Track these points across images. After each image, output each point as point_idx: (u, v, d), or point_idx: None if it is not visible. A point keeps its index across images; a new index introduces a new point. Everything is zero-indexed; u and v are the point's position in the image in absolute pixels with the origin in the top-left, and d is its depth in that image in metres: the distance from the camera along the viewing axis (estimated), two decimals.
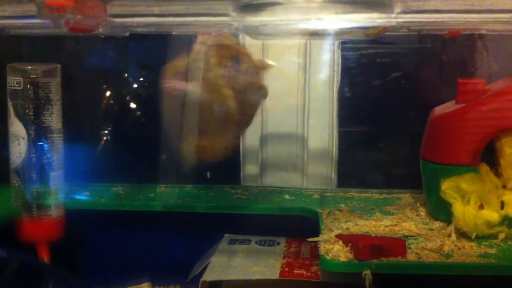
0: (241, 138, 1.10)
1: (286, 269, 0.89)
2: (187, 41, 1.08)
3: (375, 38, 0.80)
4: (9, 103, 0.80)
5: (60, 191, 0.88)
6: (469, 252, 0.74)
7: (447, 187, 0.79)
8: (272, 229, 1.05)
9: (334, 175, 1.11)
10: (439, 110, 0.88)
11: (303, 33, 0.82)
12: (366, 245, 0.73)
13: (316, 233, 0.86)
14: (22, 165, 0.82)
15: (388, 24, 0.69)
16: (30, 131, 0.81)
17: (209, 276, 0.89)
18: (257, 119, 1.10)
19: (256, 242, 1.01)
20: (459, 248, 0.75)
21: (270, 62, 0.85)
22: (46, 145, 0.83)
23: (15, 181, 0.83)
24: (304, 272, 0.87)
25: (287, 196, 1.03)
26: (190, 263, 1.04)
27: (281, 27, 0.72)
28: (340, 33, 0.77)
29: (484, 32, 0.89)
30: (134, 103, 1.13)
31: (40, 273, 0.80)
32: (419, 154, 0.90)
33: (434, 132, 0.87)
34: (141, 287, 1.14)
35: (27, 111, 0.80)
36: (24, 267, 0.79)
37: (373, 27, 0.70)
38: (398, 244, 0.74)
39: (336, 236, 0.78)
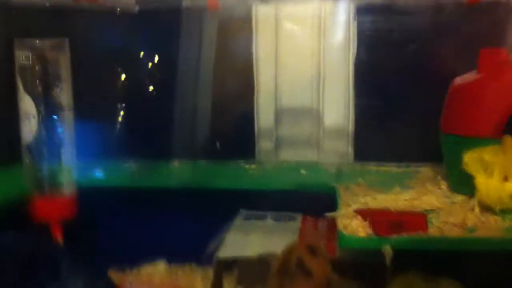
0: (255, 113, 1.08)
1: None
2: (197, 18, 1.07)
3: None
4: (18, 79, 0.78)
5: (72, 168, 0.88)
6: (493, 226, 0.71)
7: (469, 159, 0.77)
8: (288, 205, 1.03)
9: (350, 149, 1.08)
10: (459, 81, 0.85)
11: None
12: (386, 220, 0.71)
13: (333, 209, 0.84)
14: (33, 142, 0.81)
15: None
16: (40, 108, 0.80)
17: (223, 252, 0.88)
18: (271, 94, 1.08)
19: (272, 218, 1.00)
20: (483, 222, 0.73)
21: None
22: (57, 122, 0.82)
23: (26, 159, 0.82)
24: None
25: (303, 171, 1.01)
26: (206, 240, 1.02)
27: None
28: None
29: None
30: (146, 79, 1.11)
31: (54, 256, 0.79)
32: (439, 126, 0.87)
33: (455, 103, 0.84)
34: (156, 266, 1.14)
35: (37, 87, 0.78)
36: (38, 251, 0.78)
37: None
38: (418, 218, 0.72)
39: (354, 211, 0.75)
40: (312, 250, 0.75)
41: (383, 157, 1.05)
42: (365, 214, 0.74)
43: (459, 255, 0.71)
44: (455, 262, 0.79)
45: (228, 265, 1.03)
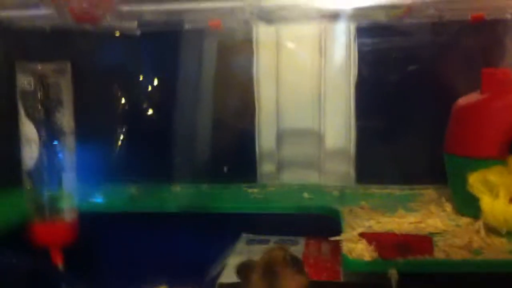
0: (256, 135, 1.08)
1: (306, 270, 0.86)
2: (198, 39, 1.07)
3: (399, 18, 0.75)
4: (20, 104, 0.78)
5: (73, 193, 0.87)
6: (499, 248, 0.70)
7: (474, 180, 0.76)
8: (290, 228, 1.02)
9: (352, 171, 1.07)
10: (463, 101, 0.85)
11: (321, 16, 0.78)
12: (391, 243, 0.70)
13: (337, 232, 0.83)
14: (34, 167, 0.80)
15: (412, 3, 0.65)
16: (42, 133, 0.79)
17: (226, 278, 0.87)
18: (272, 115, 1.07)
19: (274, 242, 0.98)
20: (489, 245, 0.72)
21: None
22: (58, 147, 0.81)
23: (27, 184, 0.81)
24: (325, 273, 0.84)
25: (305, 194, 1.00)
26: (207, 264, 1.01)
27: (300, 8, 0.68)
28: (360, 14, 0.74)
29: (509, 16, 0.85)
30: (147, 102, 1.11)
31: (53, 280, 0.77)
32: (442, 148, 0.87)
33: (458, 124, 0.84)
34: None
35: (38, 112, 0.78)
36: (37, 274, 0.77)
37: (396, 7, 0.66)
38: (424, 241, 0.71)
39: (359, 234, 0.75)
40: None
41: (385, 178, 1.05)
42: (370, 237, 0.73)
43: (464, 276, 0.69)
44: (459, 284, 0.78)
45: None
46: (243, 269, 0.75)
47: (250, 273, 0.74)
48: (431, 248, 0.70)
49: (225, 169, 1.08)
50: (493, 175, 0.75)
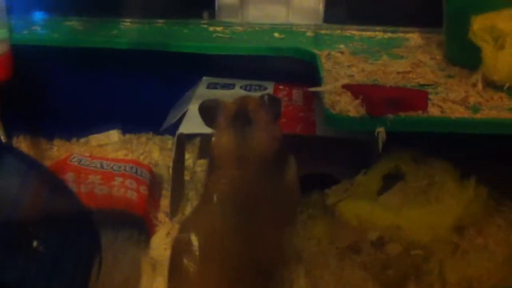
0: None
1: None
2: None
3: None
4: None
5: (5, 24, 0.76)
6: (499, 105, 0.62)
7: (478, 27, 0.65)
8: (256, 73, 0.91)
9: (321, 7, 0.93)
10: None
11: None
12: (381, 98, 0.61)
13: (310, 79, 0.73)
14: None
15: None
16: None
17: (185, 128, 0.77)
18: None
19: (241, 87, 0.88)
20: (487, 100, 0.64)
21: None
22: None
23: None
24: (300, 125, 0.76)
25: (276, 34, 0.88)
26: (163, 109, 0.91)
27: None
28: None
29: None
30: None
31: None
32: None
33: None
34: (110, 135, 1.03)
35: None
36: None
37: None
38: (418, 96, 0.62)
39: (343, 86, 0.65)
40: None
41: (362, 18, 0.93)
42: (356, 90, 0.63)
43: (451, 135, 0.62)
44: (445, 142, 0.72)
45: (191, 138, 0.94)
46: (209, 109, 0.64)
47: (217, 116, 0.64)
48: (426, 103, 0.61)
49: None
50: (503, 21, 0.64)
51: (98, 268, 0.52)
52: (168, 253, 0.59)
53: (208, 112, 0.65)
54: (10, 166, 0.53)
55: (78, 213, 0.51)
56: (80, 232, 0.51)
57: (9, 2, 0.80)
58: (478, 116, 0.60)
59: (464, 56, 0.71)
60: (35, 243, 0.46)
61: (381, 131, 0.59)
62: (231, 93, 0.85)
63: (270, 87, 0.88)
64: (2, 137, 0.83)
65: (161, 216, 0.80)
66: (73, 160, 0.80)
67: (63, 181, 0.58)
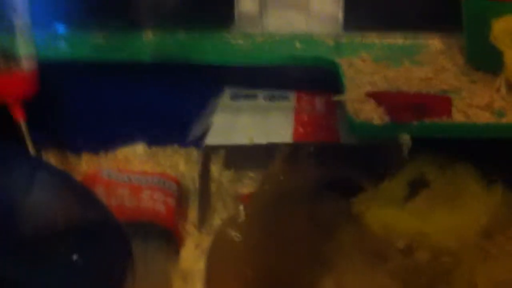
0: None
1: (301, 129, 0.78)
2: None
3: None
4: None
5: (30, 39, 0.78)
6: None
7: (499, 30, 0.66)
8: (279, 82, 0.92)
9: (340, 15, 0.94)
10: None
11: None
12: (405, 104, 0.61)
13: (332, 87, 0.74)
14: None
15: None
16: None
17: (211, 140, 0.79)
18: None
19: (263, 98, 0.89)
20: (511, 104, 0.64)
21: None
22: None
23: None
24: (323, 133, 0.76)
25: (297, 44, 0.89)
26: (187, 120, 0.93)
27: None
28: None
29: None
30: None
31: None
32: None
33: None
34: (135, 148, 1.05)
35: None
36: None
37: None
38: (442, 101, 0.63)
39: (366, 94, 0.65)
40: None
41: (382, 25, 0.93)
42: (379, 97, 0.64)
43: (484, 142, 0.62)
44: (470, 147, 0.72)
45: (216, 149, 0.95)
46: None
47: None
48: (450, 109, 0.61)
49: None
50: None
51: (132, 280, 0.54)
52: (198, 264, 0.60)
53: None
54: (43, 180, 0.55)
55: (111, 225, 0.53)
56: (114, 245, 0.53)
57: (32, 17, 0.82)
58: (503, 120, 0.60)
59: (486, 61, 0.71)
60: (75, 257, 0.47)
61: (405, 137, 0.60)
62: (254, 103, 0.87)
63: (292, 96, 0.89)
64: (31, 152, 0.85)
65: (190, 227, 0.81)
66: (103, 174, 0.82)
67: (95, 195, 0.60)
